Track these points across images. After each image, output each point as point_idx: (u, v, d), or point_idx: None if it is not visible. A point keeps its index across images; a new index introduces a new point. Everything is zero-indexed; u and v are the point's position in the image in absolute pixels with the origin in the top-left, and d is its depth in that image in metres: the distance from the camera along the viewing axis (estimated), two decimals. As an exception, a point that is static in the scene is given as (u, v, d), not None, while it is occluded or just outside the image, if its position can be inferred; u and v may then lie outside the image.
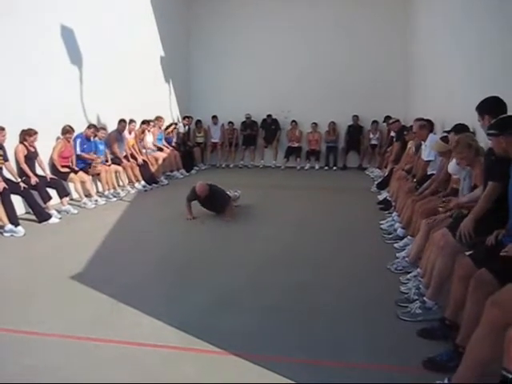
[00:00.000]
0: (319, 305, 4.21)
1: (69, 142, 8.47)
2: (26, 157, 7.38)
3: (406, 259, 4.98)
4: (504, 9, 5.40)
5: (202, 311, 4.04)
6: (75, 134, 8.67)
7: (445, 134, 5.98)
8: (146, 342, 3.46)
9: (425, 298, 3.83)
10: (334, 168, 13.86)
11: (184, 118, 13.63)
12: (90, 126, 9.05)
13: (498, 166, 3.41)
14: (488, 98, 4.06)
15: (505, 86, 4.80)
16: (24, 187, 7.00)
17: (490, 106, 3.97)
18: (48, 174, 7.88)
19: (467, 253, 3.42)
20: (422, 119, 7.66)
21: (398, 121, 10.84)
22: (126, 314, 3.98)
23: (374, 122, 13.45)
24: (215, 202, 7.40)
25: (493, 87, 4.27)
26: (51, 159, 8.29)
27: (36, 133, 7.47)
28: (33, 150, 7.53)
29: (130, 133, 10.44)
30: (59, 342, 3.49)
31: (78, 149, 8.75)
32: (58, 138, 8.42)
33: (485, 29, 6.17)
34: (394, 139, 10.44)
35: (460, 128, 5.40)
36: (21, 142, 7.40)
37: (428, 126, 7.27)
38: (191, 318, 3.87)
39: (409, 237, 5.58)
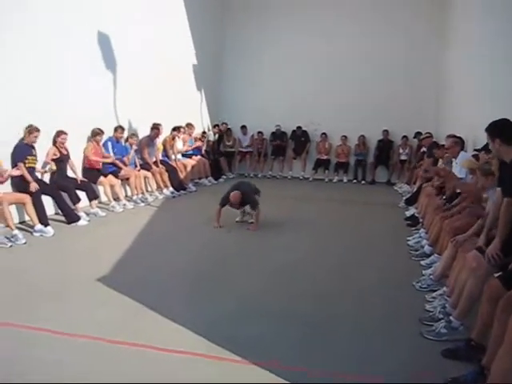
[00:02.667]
0: (341, 318, 4.17)
1: (98, 144, 8.57)
2: (57, 159, 7.52)
3: (432, 277, 4.91)
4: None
5: (224, 318, 4.04)
6: (105, 138, 8.79)
7: (475, 153, 5.90)
8: (167, 348, 3.46)
9: (451, 318, 3.76)
10: (363, 182, 13.78)
11: (214, 127, 13.70)
12: (117, 127, 9.16)
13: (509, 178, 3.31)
14: (498, 120, 3.92)
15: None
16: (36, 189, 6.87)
17: (501, 129, 3.82)
18: (79, 176, 8.01)
19: (496, 274, 3.36)
20: (455, 136, 7.55)
21: (430, 136, 10.72)
22: (150, 318, 4.00)
23: (404, 137, 13.33)
24: (245, 203, 7.52)
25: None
26: (86, 160, 8.42)
27: (64, 133, 7.57)
28: (65, 152, 7.66)
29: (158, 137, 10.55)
30: (83, 342, 3.52)
31: (110, 151, 8.87)
32: (89, 141, 8.53)
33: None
34: (426, 155, 10.30)
35: (491, 147, 5.31)
36: (54, 144, 7.55)
37: (460, 142, 7.18)
38: (213, 325, 3.87)
39: (436, 255, 5.50)
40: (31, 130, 6.78)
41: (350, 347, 3.61)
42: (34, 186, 6.63)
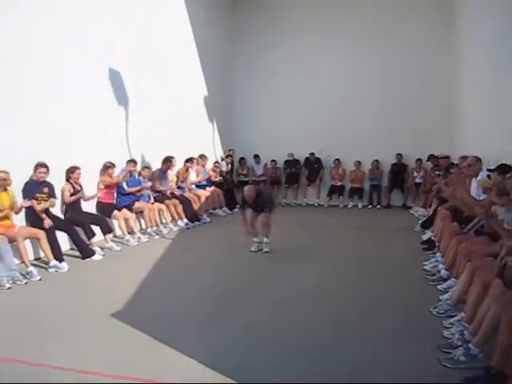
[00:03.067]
0: (357, 346, 4.11)
1: (111, 177, 8.63)
2: (72, 195, 7.57)
3: (449, 302, 4.82)
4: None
5: (235, 349, 4.03)
6: (118, 171, 8.87)
7: (488, 173, 5.85)
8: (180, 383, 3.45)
9: (470, 345, 3.66)
10: (378, 206, 13.70)
11: (227, 157, 13.77)
12: (129, 161, 9.20)
13: None
14: None
15: None
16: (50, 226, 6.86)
17: None
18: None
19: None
20: (467, 157, 7.49)
21: (447, 157, 10.68)
22: (161, 352, 3.97)
23: (418, 159, 13.28)
24: (260, 202, 7.80)
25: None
26: (100, 194, 8.49)
27: (78, 168, 7.67)
28: (79, 188, 7.73)
29: (171, 169, 10.61)
30: (94, 379, 3.50)
31: (124, 185, 8.92)
32: (102, 174, 8.58)
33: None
34: (441, 177, 10.11)
35: (504, 168, 5.29)
36: (67, 180, 7.62)
37: (480, 161, 7.05)
38: (223, 356, 3.86)
39: (452, 279, 5.41)
40: (37, 166, 6.85)
41: (365, 376, 3.54)
42: (47, 223, 6.69)
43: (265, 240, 7.80)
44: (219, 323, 4.73)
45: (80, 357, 3.87)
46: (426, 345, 4.04)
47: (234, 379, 3.45)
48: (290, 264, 7.18)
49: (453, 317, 4.47)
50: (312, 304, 5.29)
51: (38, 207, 6.74)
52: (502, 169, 5.40)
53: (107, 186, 8.53)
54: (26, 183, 6.86)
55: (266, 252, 7.70)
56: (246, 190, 7.74)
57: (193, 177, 11.56)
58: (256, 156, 14.52)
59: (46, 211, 6.91)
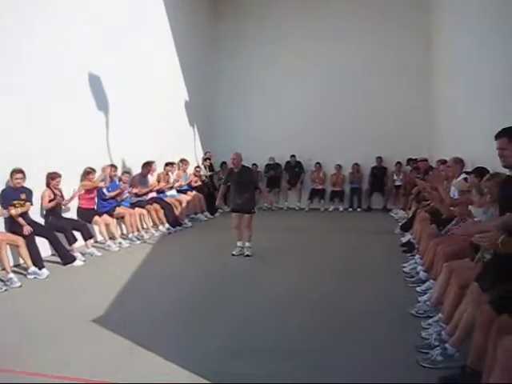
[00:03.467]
0: (336, 347, 4.17)
1: (91, 181, 8.54)
2: (51, 201, 7.51)
3: (428, 303, 4.90)
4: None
5: (215, 354, 4.05)
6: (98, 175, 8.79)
7: (465, 176, 5.96)
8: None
9: (446, 345, 3.74)
10: (359, 209, 13.82)
11: (205, 160, 13.76)
12: (109, 165, 9.08)
13: None
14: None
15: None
16: (30, 231, 6.81)
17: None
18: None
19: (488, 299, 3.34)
20: (446, 161, 7.60)
21: (426, 160, 10.82)
22: (143, 356, 3.99)
23: (398, 163, 13.44)
24: (244, 178, 7.89)
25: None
26: (80, 200, 8.48)
27: (59, 176, 7.64)
28: (59, 193, 7.69)
29: (151, 174, 10.61)
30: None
31: (104, 190, 8.87)
32: (83, 180, 8.52)
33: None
34: (420, 178, 10.16)
35: (480, 171, 5.38)
36: (47, 186, 7.58)
37: (462, 163, 7.10)
38: (204, 361, 3.88)
39: (431, 280, 5.50)
40: (13, 173, 6.74)
41: (345, 376, 3.60)
42: (27, 230, 6.64)
43: (247, 244, 7.88)
44: (201, 328, 4.74)
45: (64, 363, 3.85)
46: (405, 345, 4.11)
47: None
48: (271, 267, 7.23)
49: (432, 317, 4.55)
50: (291, 307, 5.34)
51: (13, 212, 6.63)
52: (479, 171, 5.49)
53: (88, 191, 8.48)
54: (3, 190, 6.79)
55: (248, 256, 7.75)
56: (232, 154, 7.90)
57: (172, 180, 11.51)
58: (235, 160, 14.47)
59: (25, 217, 6.85)
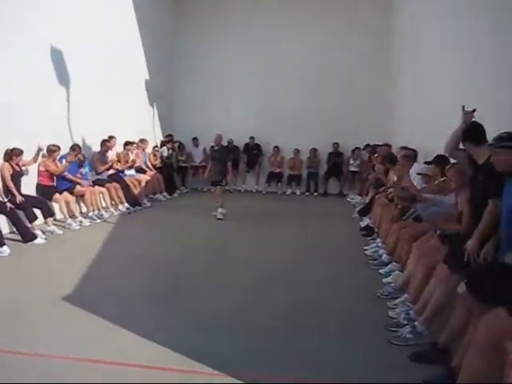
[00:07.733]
0: (307, 329, 4.29)
1: (54, 161, 8.39)
2: (11, 176, 7.31)
3: (392, 285, 5.10)
4: (496, 36, 5.50)
5: (189, 331, 4.10)
6: (59, 155, 8.60)
7: (425, 166, 6.17)
8: (137, 363, 3.51)
9: (416, 324, 3.93)
10: (315, 194, 14.00)
11: (168, 142, 13.64)
12: (74, 147, 8.86)
13: (497, 182, 3.38)
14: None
15: (493, 124, 4.12)
16: (10, 207, 6.93)
17: (469, 132, 3.97)
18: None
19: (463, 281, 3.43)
20: (407, 148, 7.70)
21: (389, 145, 10.78)
22: (121, 334, 4.00)
23: (356, 148, 13.66)
24: (223, 156, 10.12)
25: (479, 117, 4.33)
26: (40, 177, 8.29)
27: (22, 152, 7.44)
28: (18, 169, 7.48)
29: (111, 149, 10.47)
30: (55, 362, 3.50)
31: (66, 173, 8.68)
32: (44, 157, 8.32)
33: (474, 57, 6.31)
34: (379, 161, 10.06)
35: (441, 159, 5.56)
36: (6, 161, 7.34)
37: (412, 156, 7.26)
38: (183, 339, 3.91)
39: (394, 263, 5.71)
40: None
41: (319, 356, 3.72)
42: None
43: (219, 210, 9.49)
44: (172, 304, 4.82)
45: (37, 341, 3.83)
46: (374, 325, 4.29)
47: (194, 359, 3.54)
48: (231, 250, 7.28)
49: (397, 298, 4.74)
50: (255, 290, 5.38)
51: None
52: (439, 160, 5.69)
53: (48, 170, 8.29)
54: None
55: (219, 219, 9.27)
56: (216, 135, 10.05)
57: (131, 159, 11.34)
58: (195, 139, 14.44)
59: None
